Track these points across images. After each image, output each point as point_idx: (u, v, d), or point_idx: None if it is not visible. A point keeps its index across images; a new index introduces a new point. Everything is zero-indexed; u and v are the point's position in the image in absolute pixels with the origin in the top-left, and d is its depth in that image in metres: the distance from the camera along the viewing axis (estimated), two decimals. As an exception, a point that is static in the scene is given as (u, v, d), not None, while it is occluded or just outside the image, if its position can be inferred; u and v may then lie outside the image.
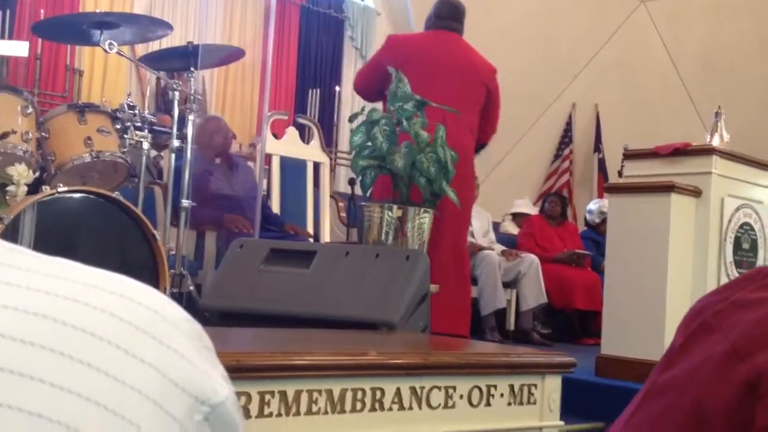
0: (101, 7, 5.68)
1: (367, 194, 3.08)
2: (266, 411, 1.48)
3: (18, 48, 4.49)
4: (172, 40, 5.20)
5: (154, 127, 3.46)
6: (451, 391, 1.76)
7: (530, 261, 4.95)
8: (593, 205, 6.17)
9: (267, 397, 1.48)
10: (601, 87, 7.93)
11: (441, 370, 1.77)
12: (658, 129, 6.73)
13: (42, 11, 5.35)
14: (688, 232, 3.14)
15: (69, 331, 0.35)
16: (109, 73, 5.92)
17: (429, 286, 2.63)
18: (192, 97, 3.46)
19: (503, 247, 5.18)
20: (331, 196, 5.03)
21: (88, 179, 3.15)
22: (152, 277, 2.95)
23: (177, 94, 3.44)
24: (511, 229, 6.16)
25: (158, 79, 5.32)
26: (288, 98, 6.89)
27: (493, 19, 7.08)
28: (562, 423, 1.99)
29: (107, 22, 3.28)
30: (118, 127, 3.22)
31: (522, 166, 7.65)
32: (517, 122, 7.35)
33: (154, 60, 3.99)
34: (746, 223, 3.31)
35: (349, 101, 6.91)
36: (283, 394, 1.50)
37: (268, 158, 4.46)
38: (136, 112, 3.28)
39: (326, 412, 1.56)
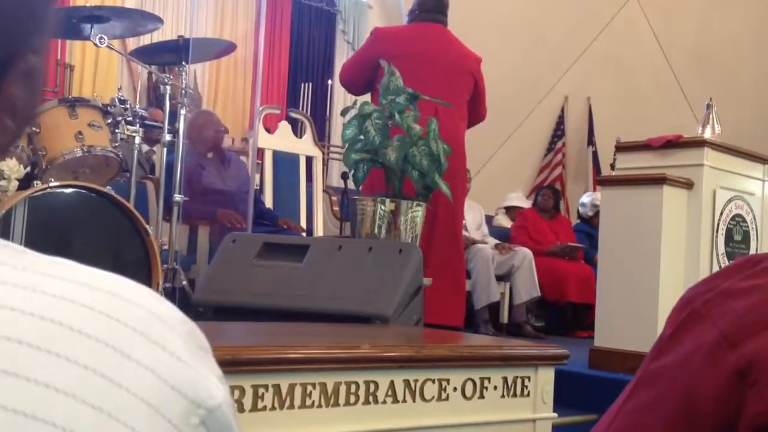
0: (91, 1, 5.65)
1: (359, 188, 3.08)
2: (260, 405, 1.48)
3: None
4: (163, 34, 5.18)
5: (146, 122, 3.44)
6: (444, 383, 1.77)
7: (523, 254, 4.96)
8: (586, 198, 6.18)
9: (261, 390, 1.48)
10: (593, 80, 7.94)
11: (434, 362, 1.77)
12: (651, 121, 6.75)
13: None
14: (681, 224, 3.15)
15: (63, 331, 0.35)
16: (100, 67, 5.90)
17: (422, 280, 2.63)
18: (184, 92, 3.45)
19: (496, 241, 5.18)
20: (324, 191, 5.02)
21: (79, 174, 3.13)
22: (145, 273, 2.94)
23: (168, 88, 3.43)
24: (504, 222, 6.17)
25: (150, 73, 5.30)
26: (280, 92, 6.88)
27: (484, 12, 7.08)
28: (555, 415, 2.00)
29: (98, 15, 3.26)
30: (110, 121, 3.20)
31: (515, 159, 7.66)
32: (510, 116, 7.36)
33: (145, 54, 3.97)
34: (738, 215, 3.32)
35: (342, 95, 6.90)
36: (277, 388, 1.51)
37: (260, 153, 4.45)
38: (128, 106, 3.27)
39: (320, 406, 1.56)
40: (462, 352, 1.88)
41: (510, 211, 6.27)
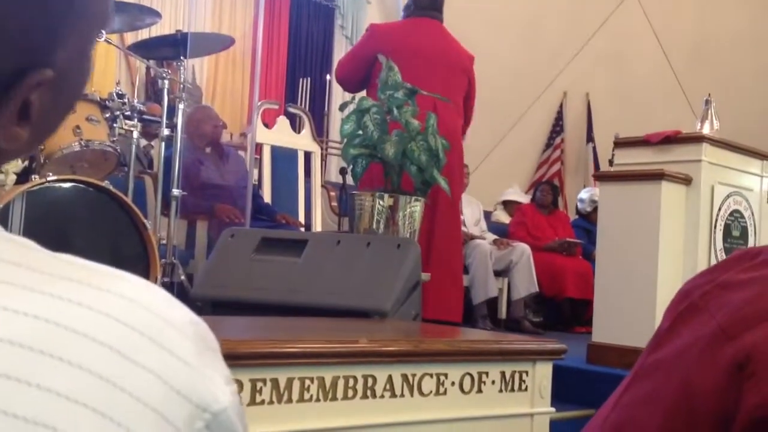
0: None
1: (358, 183, 3.08)
2: (258, 399, 1.48)
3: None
4: (161, 29, 5.17)
5: (144, 116, 3.44)
6: (442, 378, 1.77)
7: (522, 250, 4.96)
8: (584, 194, 6.18)
9: (259, 384, 1.48)
10: (592, 76, 7.94)
11: (432, 357, 1.77)
12: (649, 117, 6.75)
13: None
14: (679, 219, 3.16)
15: (66, 334, 0.34)
16: (98, 62, 5.88)
17: (420, 274, 2.63)
18: (182, 86, 3.45)
19: (495, 236, 5.18)
20: (322, 186, 5.02)
21: (77, 168, 3.13)
22: (143, 267, 2.94)
23: (166, 82, 3.42)
24: (503, 218, 6.17)
25: (148, 68, 5.29)
26: (278, 87, 6.87)
27: (483, 7, 7.07)
28: (553, 409, 2.00)
29: (96, 10, 3.25)
30: (108, 116, 3.20)
31: (513, 155, 7.66)
32: (508, 111, 7.35)
33: (143, 48, 3.96)
34: (736, 211, 3.32)
35: (340, 90, 6.87)
36: (275, 382, 1.51)
37: (258, 148, 4.44)
38: (126, 101, 3.27)
39: (318, 400, 1.57)
40: (460, 347, 1.88)
41: (507, 206, 6.27)
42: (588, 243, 5.47)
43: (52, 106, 0.43)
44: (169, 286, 3.19)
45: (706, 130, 3.38)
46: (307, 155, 4.88)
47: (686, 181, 3.16)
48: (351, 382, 1.62)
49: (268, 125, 4.82)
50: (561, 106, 8.06)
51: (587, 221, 5.89)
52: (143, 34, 4.91)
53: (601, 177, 3.51)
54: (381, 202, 2.89)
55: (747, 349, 0.49)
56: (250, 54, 6.38)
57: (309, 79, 6.76)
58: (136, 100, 3.45)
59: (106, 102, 3.21)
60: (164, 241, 3.35)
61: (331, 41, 7.25)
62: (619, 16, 7.92)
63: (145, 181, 4.00)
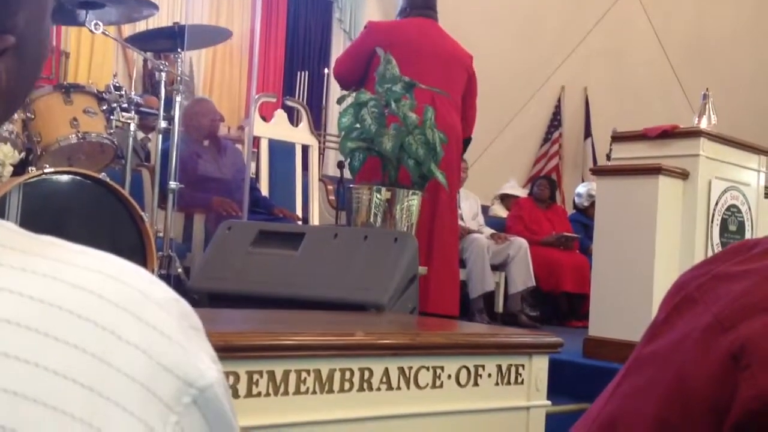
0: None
1: (355, 176, 3.08)
2: (254, 391, 1.48)
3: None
4: (159, 21, 5.15)
5: (141, 109, 3.43)
6: (439, 371, 1.77)
7: (519, 244, 4.96)
8: (582, 189, 6.18)
9: (255, 377, 1.48)
10: (590, 70, 7.94)
11: (429, 350, 1.77)
12: (647, 112, 6.75)
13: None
14: (676, 214, 3.16)
15: (53, 311, 0.35)
16: (95, 54, 5.87)
17: (417, 268, 2.63)
18: (179, 79, 3.44)
19: (492, 231, 5.19)
20: (319, 179, 5.02)
21: (74, 161, 3.12)
22: (140, 260, 2.94)
23: (164, 75, 3.42)
24: (500, 212, 6.18)
25: (145, 60, 5.27)
26: (276, 81, 6.86)
27: (479, 2, 7.06)
28: (549, 403, 2.01)
29: (93, 2, 3.24)
30: (105, 108, 3.19)
31: (511, 149, 7.66)
32: (506, 106, 7.35)
33: (140, 41, 3.95)
34: (733, 206, 3.32)
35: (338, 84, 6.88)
36: (272, 374, 1.51)
37: (256, 141, 4.44)
38: (123, 93, 3.26)
39: (314, 392, 1.57)
40: (456, 340, 1.88)
41: (505, 200, 6.27)
42: (585, 237, 5.48)
43: (18, 74, 0.42)
44: (166, 279, 3.18)
45: (703, 125, 3.38)
46: (305, 149, 4.88)
47: (683, 175, 3.16)
48: (347, 375, 1.62)
49: (265, 118, 4.82)
50: (559, 100, 8.06)
51: (584, 216, 5.90)
52: (140, 26, 4.89)
53: (598, 171, 3.51)
54: (378, 196, 2.89)
55: (742, 341, 0.49)
56: (248, 47, 6.37)
57: (307, 72, 6.75)
58: (133, 93, 3.44)
59: (104, 94, 3.21)
60: (161, 234, 3.35)
61: (329, 35, 7.24)
62: (617, 11, 7.91)
63: (142, 173, 4.00)
